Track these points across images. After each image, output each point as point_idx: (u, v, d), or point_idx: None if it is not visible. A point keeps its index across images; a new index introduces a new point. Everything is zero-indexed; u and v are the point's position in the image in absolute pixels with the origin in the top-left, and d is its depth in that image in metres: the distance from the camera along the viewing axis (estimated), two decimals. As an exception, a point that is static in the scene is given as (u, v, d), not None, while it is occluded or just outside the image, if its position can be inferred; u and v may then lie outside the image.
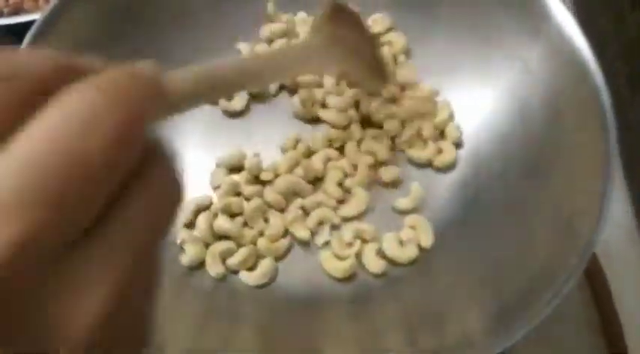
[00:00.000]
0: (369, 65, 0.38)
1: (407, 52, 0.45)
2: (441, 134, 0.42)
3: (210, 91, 0.23)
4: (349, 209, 0.39)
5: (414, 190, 0.40)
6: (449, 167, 0.41)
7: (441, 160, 0.41)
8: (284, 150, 0.42)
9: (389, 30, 0.46)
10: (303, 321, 0.36)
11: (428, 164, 0.41)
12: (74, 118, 0.12)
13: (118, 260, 0.13)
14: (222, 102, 0.44)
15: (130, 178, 0.14)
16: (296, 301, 0.37)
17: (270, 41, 0.46)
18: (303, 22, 0.46)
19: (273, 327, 0.36)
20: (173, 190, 0.15)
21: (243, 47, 0.46)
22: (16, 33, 0.38)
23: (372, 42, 0.38)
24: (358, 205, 0.39)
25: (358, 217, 0.39)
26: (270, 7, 0.46)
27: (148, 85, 0.14)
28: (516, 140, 0.39)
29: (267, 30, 0.46)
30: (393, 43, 0.46)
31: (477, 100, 0.42)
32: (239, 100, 0.44)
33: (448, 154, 0.41)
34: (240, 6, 0.46)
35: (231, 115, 0.44)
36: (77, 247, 0.13)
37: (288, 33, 0.46)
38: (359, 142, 0.42)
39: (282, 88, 0.45)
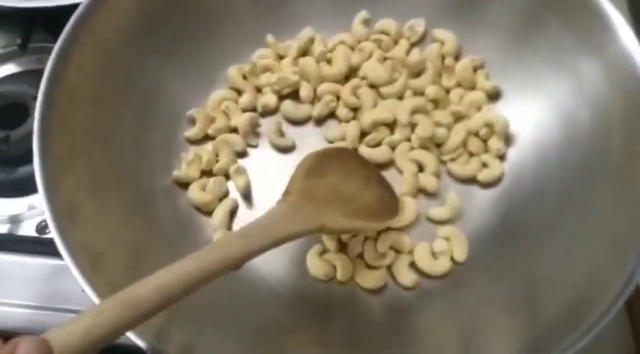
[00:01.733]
0: (373, 203, 0.35)
1: (457, 55, 0.43)
2: (484, 145, 0.40)
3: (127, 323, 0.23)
4: (400, 220, 0.38)
5: (451, 200, 0.38)
6: (495, 183, 0.39)
7: (487, 175, 0.39)
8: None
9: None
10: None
11: (471, 180, 0.40)
12: None
13: None
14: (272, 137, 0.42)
15: None
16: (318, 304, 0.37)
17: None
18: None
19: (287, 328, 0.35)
20: None
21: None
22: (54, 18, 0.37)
23: (377, 175, 0.38)
24: (407, 216, 0.38)
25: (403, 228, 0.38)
26: (270, 37, 0.45)
27: None
28: (560, 155, 0.37)
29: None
30: (445, 41, 0.43)
31: (521, 111, 0.40)
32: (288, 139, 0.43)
33: (495, 169, 0.39)
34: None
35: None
36: None
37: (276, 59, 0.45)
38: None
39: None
